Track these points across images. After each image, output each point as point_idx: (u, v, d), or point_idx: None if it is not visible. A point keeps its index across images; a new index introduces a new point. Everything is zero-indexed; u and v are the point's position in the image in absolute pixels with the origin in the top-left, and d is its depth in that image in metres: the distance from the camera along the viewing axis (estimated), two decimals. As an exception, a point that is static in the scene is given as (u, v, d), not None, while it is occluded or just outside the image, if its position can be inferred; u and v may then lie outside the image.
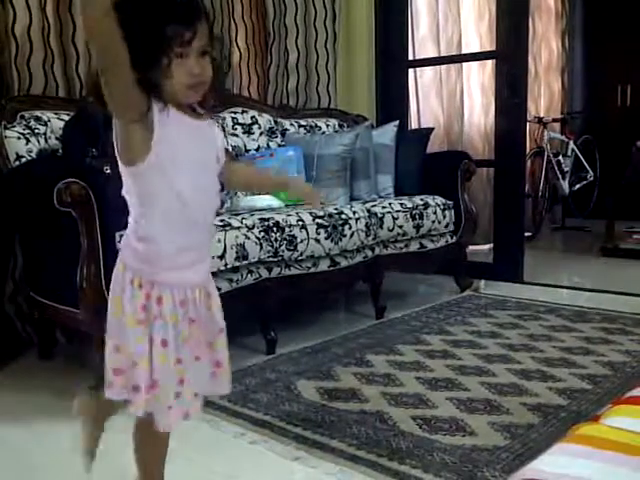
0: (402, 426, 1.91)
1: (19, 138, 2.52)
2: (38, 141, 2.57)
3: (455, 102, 4.89)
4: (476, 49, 5.00)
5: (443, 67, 4.77)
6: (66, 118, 2.65)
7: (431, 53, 4.67)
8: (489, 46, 4.78)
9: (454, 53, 4.78)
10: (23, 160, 2.49)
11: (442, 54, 4.72)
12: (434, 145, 4.47)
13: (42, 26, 2.79)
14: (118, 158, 1.20)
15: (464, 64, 4.93)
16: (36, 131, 2.58)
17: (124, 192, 1.25)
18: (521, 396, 2.11)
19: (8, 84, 2.73)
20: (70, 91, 2.90)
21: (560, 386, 2.19)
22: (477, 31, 5.06)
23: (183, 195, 1.21)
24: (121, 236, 2.15)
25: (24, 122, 2.58)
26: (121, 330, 1.25)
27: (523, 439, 1.81)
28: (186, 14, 1.14)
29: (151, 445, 1.40)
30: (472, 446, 1.78)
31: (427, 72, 4.71)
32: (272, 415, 2.00)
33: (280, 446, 1.83)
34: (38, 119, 2.62)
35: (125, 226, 1.29)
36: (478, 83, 5.11)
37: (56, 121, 2.65)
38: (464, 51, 4.88)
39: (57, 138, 2.61)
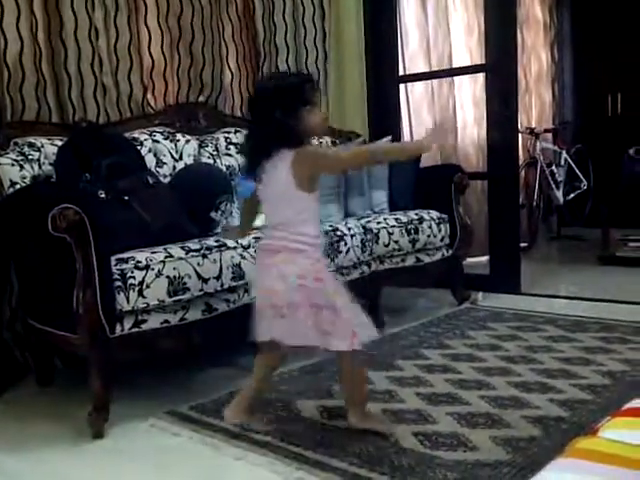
0: (403, 443, 1.90)
1: (13, 165, 2.53)
2: (32, 167, 2.57)
3: (448, 115, 4.92)
4: (467, 62, 5.04)
5: (435, 81, 4.80)
6: (59, 144, 2.65)
7: (422, 68, 4.70)
8: (479, 59, 4.81)
9: (445, 67, 4.81)
10: (17, 187, 2.49)
11: (433, 68, 4.76)
12: (428, 159, 4.48)
13: (34, 52, 2.81)
14: (303, 191, 1.86)
15: (456, 78, 4.96)
16: (30, 157, 2.59)
17: (306, 217, 1.91)
18: (522, 409, 2.11)
19: (1, 111, 2.74)
20: (63, 116, 2.92)
21: (560, 397, 2.19)
22: (467, 45, 5.10)
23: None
24: (116, 260, 2.15)
25: (17, 148, 2.59)
26: None
27: (525, 452, 1.81)
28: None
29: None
30: (474, 461, 1.77)
31: (419, 87, 4.74)
32: (273, 435, 1.99)
33: (281, 466, 1.82)
34: (31, 145, 2.62)
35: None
36: (470, 96, 5.14)
37: (49, 147, 2.65)
38: (455, 65, 4.91)
39: (51, 164, 2.61)
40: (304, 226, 1.90)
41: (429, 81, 4.75)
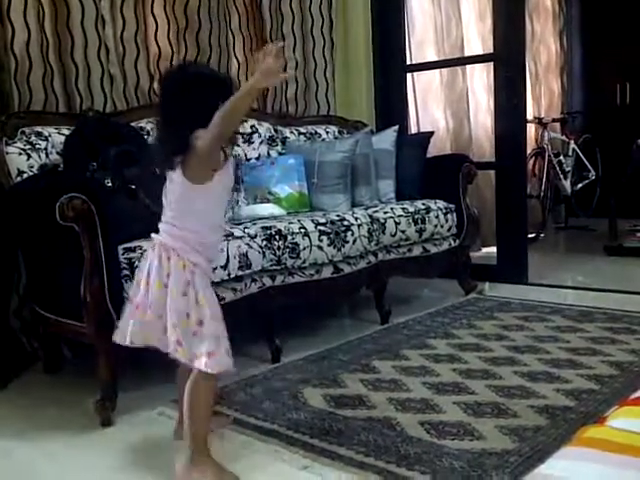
0: (410, 432, 1.91)
1: (20, 154, 2.53)
2: (39, 156, 2.58)
3: (462, 104, 4.89)
4: (479, 50, 4.99)
5: (449, 70, 4.76)
6: (66, 133, 2.66)
7: (431, 57, 4.67)
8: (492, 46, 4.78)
9: (458, 55, 4.78)
10: (25, 176, 2.50)
11: (447, 56, 4.72)
12: (439, 149, 4.46)
13: (41, 42, 2.81)
14: (188, 181, 1.68)
15: (468, 66, 4.93)
16: (37, 146, 2.59)
17: (184, 211, 1.71)
18: (528, 398, 2.11)
19: (8, 100, 2.74)
20: (70, 106, 2.92)
21: (567, 387, 2.19)
22: (479, 32, 5.05)
23: (219, 208, 1.79)
24: (124, 249, 2.16)
25: (25, 138, 2.59)
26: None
27: (531, 442, 1.81)
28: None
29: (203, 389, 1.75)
30: (481, 450, 1.77)
31: (430, 75, 4.71)
32: (279, 424, 2.00)
33: (288, 455, 1.83)
34: (39, 134, 2.63)
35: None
36: (483, 84, 5.10)
37: (57, 136, 2.66)
38: (467, 52, 4.88)
39: (58, 153, 2.62)
40: None
41: (441, 69, 4.72)
